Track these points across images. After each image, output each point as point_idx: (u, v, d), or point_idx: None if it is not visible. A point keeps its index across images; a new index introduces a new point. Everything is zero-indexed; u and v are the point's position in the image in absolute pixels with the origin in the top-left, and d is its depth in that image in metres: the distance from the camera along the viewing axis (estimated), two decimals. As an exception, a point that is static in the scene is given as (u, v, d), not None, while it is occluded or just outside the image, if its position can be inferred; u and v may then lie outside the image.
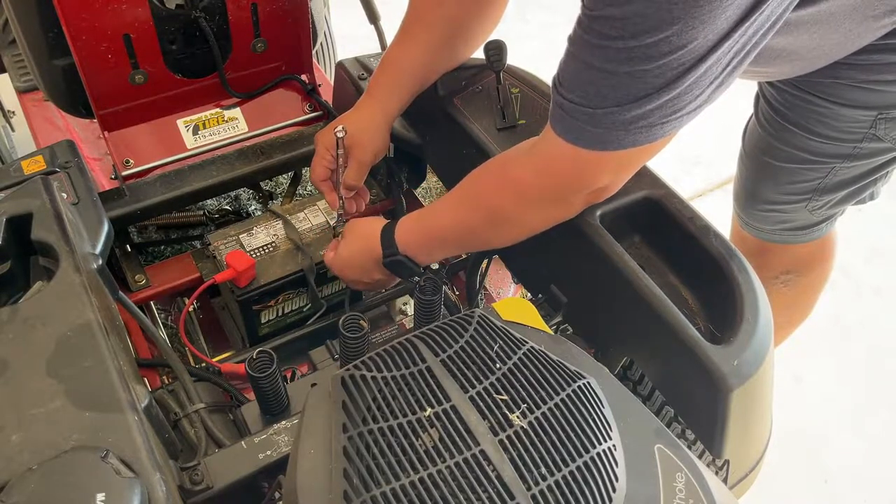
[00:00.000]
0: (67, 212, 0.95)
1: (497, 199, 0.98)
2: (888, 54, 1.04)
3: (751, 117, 1.37)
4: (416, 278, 1.07)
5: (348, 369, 0.69)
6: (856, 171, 1.25)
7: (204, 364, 1.15)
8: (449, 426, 0.64)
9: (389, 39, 1.23)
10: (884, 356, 2.13)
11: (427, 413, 0.65)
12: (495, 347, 0.71)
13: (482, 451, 0.62)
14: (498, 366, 0.69)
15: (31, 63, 1.23)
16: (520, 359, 0.70)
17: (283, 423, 0.87)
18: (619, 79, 0.77)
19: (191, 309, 1.30)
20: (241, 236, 1.24)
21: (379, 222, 1.12)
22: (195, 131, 1.34)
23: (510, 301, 0.92)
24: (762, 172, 1.34)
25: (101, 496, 0.60)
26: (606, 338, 1.02)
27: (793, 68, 1.12)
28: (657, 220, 1.02)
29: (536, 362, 0.70)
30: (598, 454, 0.63)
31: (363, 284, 1.18)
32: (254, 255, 1.21)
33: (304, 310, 1.29)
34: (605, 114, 0.80)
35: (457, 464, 0.61)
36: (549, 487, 0.60)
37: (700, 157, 2.70)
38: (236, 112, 1.37)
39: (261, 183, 1.43)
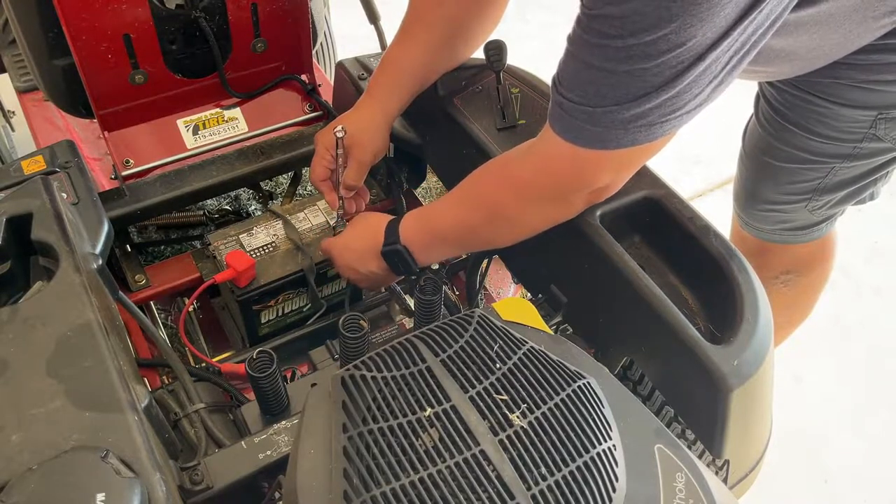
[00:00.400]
0: (67, 212, 0.95)
1: (497, 197, 0.98)
2: (888, 54, 1.04)
3: (751, 117, 1.37)
4: (415, 278, 1.07)
5: (348, 369, 0.69)
6: (856, 171, 1.25)
7: (204, 364, 1.15)
8: (449, 426, 0.64)
9: (389, 39, 1.23)
10: (884, 356, 2.13)
11: (427, 413, 0.65)
12: (495, 347, 0.71)
13: (482, 451, 0.62)
14: (498, 366, 0.69)
15: (31, 63, 1.23)
16: (520, 359, 0.70)
17: (283, 423, 0.87)
18: (618, 77, 0.77)
19: (191, 309, 1.30)
20: (241, 236, 1.24)
21: (388, 217, 1.13)
22: (195, 131, 1.34)
23: (510, 301, 0.92)
24: (762, 172, 1.34)
25: (101, 496, 0.60)
26: (606, 338, 1.02)
27: (792, 68, 1.12)
28: (657, 220, 1.02)
29: (536, 362, 0.70)
30: (598, 454, 0.63)
31: (356, 273, 1.17)
32: (254, 255, 1.21)
33: (304, 310, 1.29)
34: (605, 112, 0.80)
35: (457, 464, 0.61)
36: (549, 487, 0.60)
37: (700, 157, 2.70)
38: (236, 112, 1.37)
39: (261, 183, 1.43)
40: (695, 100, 0.79)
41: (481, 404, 0.66)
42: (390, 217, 1.13)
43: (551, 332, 0.81)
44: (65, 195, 1.04)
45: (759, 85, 1.32)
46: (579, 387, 0.68)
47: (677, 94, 0.77)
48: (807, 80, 1.15)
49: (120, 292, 0.98)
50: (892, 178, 1.32)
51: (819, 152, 1.22)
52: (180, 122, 1.33)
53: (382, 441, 0.62)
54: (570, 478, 0.61)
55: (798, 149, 1.24)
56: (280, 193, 1.65)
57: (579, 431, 0.64)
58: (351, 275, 1.18)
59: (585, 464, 0.62)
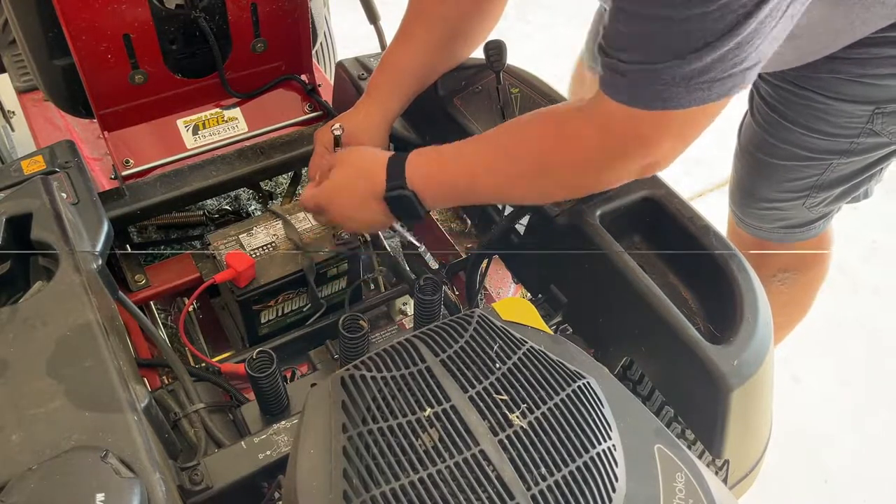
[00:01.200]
0: (67, 212, 0.95)
1: (548, 151, 0.92)
2: (886, 48, 1.04)
3: (745, 114, 1.36)
4: (416, 278, 1.06)
5: (348, 369, 0.69)
6: (853, 166, 1.25)
7: (204, 364, 1.15)
8: (449, 426, 0.64)
9: (389, 39, 1.23)
10: (883, 356, 2.13)
11: (427, 413, 0.65)
12: (495, 347, 0.71)
13: (482, 451, 0.62)
14: (498, 366, 0.69)
15: (31, 63, 1.23)
16: (520, 359, 0.70)
17: (283, 423, 0.87)
18: (678, 26, 0.74)
19: (191, 309, 1.30)
20: (241, 236, 1.24)
21: (383, 152, 1.05)
22: (195, 131, 1.34)
23: (510, 301, 0.92)
24: (759, 170, 1.34)
25: (100, 496, 0.60)
26: (606, 338, 1.02)
27: (795, 53, 1.10)
28: (657, 220, 1.02)
29: (536, 362, 0.70)
30: (598, 454, 0.63)
31: (350, 222, 1.09)
32: (254, 255, 1.21)
33: (304, 310, 1.29)
34: (665, 68, 0.77)
35: (457, 464, 0.61)
36: (549, 487, 0.60)
37: (700, 157, 2.70)
38: (236, 112, 1.37)
39: (261, 183, 1.43)
40: (755, 52, 0.76)
41: (481, 404, 0.66)
42: (388, 153, 1.04)
43: (551, 332, 0.81)
44: (65, 195, 1.04)
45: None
46: (579, 387, 0.68)
47: (738, 44, 0.74)
48: (804, 76, 1.15)
49: (120, 292, 0.98)
50: (890, 176, 1.32)
51: (816, 149, 1.22)
52: (180, 122, 1.33)
53: (382, 441, 0.62)
54: (569, 478, 0.61)
55: (795, 145, 1.24)
56: (280, 193, 1.65)
57: (579, 431, 0.64)
58: (346, 223, 1.11)
59: (585, 464, 0.62)
